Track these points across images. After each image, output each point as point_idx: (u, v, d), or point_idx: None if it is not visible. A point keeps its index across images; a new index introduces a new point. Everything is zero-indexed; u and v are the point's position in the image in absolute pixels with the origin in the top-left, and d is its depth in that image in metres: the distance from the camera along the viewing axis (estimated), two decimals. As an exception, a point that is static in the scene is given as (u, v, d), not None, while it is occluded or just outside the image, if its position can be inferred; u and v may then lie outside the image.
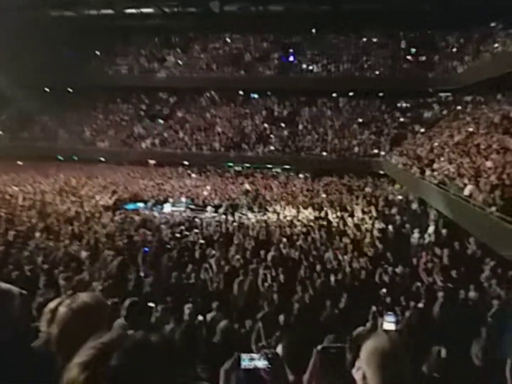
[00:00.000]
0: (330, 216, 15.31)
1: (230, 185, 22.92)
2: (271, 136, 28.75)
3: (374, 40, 31.49)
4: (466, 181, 11.86)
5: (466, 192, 11.27)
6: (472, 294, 7.21)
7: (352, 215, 15.26)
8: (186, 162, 28.55)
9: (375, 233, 12.68)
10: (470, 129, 18.24)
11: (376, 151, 25.47)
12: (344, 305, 6.76)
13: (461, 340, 4.27)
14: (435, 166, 15.54)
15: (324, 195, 19.61)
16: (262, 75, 31.05)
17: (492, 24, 24.96)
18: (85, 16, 33.28)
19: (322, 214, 15.82)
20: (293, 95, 31.52)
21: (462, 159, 14.47)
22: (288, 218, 15.46)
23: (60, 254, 8.88)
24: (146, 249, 9.72)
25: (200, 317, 5.60)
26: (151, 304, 5.09)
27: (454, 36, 28.95)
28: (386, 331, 4.52)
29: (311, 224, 14.12)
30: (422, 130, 25.25)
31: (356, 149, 25.99)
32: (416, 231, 12.41)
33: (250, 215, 16.71)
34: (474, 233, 10.55)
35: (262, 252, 9.71)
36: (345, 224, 13.96)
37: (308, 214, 15.96)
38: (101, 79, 32.27)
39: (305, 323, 5.82)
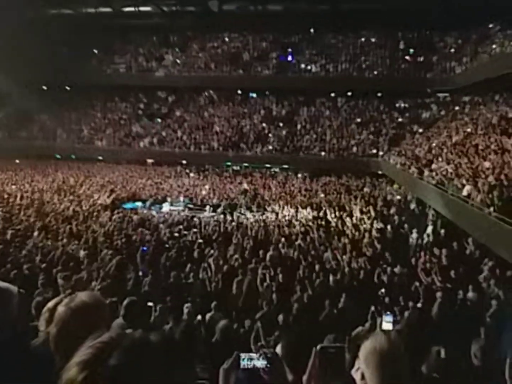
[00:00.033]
0: (328, 216, 15.32)
1: (229, 185, 22.94)
2: (270, 135, 28.77)
3: (373, 40, 31.59)
4: (464, 181, 11.88)
5: (464, 192, 11.30)
6: (470, 294, 7.22)
7: (350, 215, 15.27)
8: (184, 161, 28.55)
9: (374, 233, 12.69)
10: (468, 130, 18.29)
11: (374, 151, 25.50)
12: (343, 305, 6.76)
13: (460, 340, 4.27)
14: (434, 166, 15.57)
15: (322, 195, 19.63)
16: (260, 75, 31.07)
17: (490, 25, 25.08)
18: (83, 14, 33.28)
19: (321, 214, 15.83)
20: (291, 95, 31.56)
21: (460, 159, 14.50)
22: (287, 217, 15.47)
23: (58, 253, 8.84)
24: (145, 248, 9.70)
25: (199, 317, 5.60)
26: (150, 304, 5.08)
27: (452, 36, 29.08)
28: (385, 331, 4.53)
29: (310, 224, 14.13)
30: (421, 130, 25.31)
31: (354, 149, 26.03)
32: (414, 231, 12.42)
33: (248, 214, 16.72)
34: (472, 233, 10.57)
35: (261, 252, 9.71)
36: (343, 224, 13.97)
37: (306, 214, 15.98)
38: (99, 78, 32.29)
39: (304, 323, 5.82)
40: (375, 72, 29.22)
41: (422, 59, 29.10)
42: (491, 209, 9.34)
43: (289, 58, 31.83)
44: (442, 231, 12.26)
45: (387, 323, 4.74)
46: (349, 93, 30.34)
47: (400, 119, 28.14)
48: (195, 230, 12.48)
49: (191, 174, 26.40)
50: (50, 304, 1.95)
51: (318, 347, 1.67)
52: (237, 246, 10.51)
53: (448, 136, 19.26)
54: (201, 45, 34.38)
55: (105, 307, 1.76)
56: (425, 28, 30.19)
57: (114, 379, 0.93)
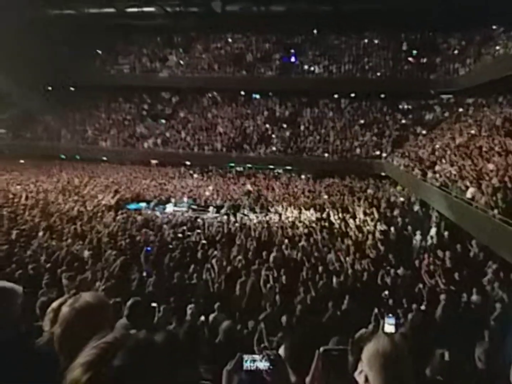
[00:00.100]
0: (332, 218, 15.28)
1: (232, 186, 22.95)
2: (273, 136, 28.77)
3: (376, 41, 31.56)
4: (468, 183, 11.83)
5: (468, 194, 11.25)
6: (474, 297, 7.19)
7: (354, 217, 15.23)
8: (188, 162, 28.60)
9: (377, 235, 12.64)
10: (472, 131, 18.21)
11: (378, 152, 25.45)
12: (346, 307, 6.75)
13: (464, 343, 4.25)
14: (437, 168, 15.52)
15: (326, 196, 19.59)
16: (263, 76, 31.11)
17: (494, 27, 25.00)
18: (87, 15, 33.40)
19: (324, 215, 15.80)
20: (294, 96, 31.55)
21: (464, 161, 14.44)
22: (290, 219, 15.45)
23: (63, 253, 8.89)
24: (149, 248, 9.72)
25: (203, 318, 5.61)
26: (154, 304, 5.09)
27: (455, 38, 29.00)
28: (388, 334, 4.51)
29: (313, 225, 14.10)
30: (424, 132, 25.24)
31: (358, 151, 25.99)
32: (418, 233, 12.37)
33: (252, 215, 16.71)
34: (476, 235, 10.52)
35: (264, 253, 9.71)
36: (347, 225, 13.94)
37: (310, 215, 15.95)
38: (103, 79, 32.42)
39: (307, 324, 5.82)
40: (378, 74, 29.19)
41: (425, 60, 29.06)
42: (495, 211, 9.29)
43: (292, 59, 31.84)
44: (446, 233, 12.22)
45: (389, 326, 4.72)
46: (353, 95, 30.30)
47: (403, 121, 28.07)
48: (198, 231, 12.49)
49: (195, 175, 26.43)
50: (55, 304, 1.96)
51: (321, 349, 1.67)
52: (240, 247, 10.51)
53: (452, 138, 19.19)
54: (204, 46, 34.46)
55: (109, 307, 1.76)
56: (428, 29, 30.15)
57: (118, 379, 0.93)
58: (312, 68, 30.86)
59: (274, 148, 27.67)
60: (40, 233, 10.85)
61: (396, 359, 1.38)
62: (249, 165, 27.83)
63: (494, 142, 14.83)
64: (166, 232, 12.18)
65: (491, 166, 12.38)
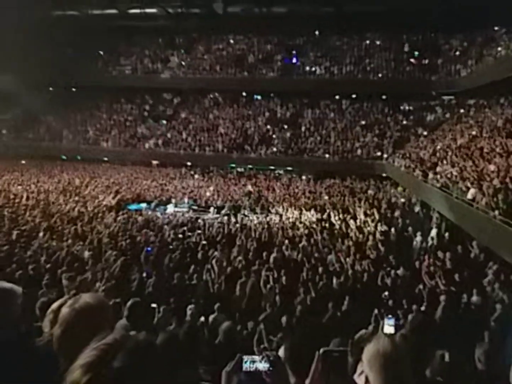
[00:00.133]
0: (332, 218, 15.28)
1: (233, 186, 22.95)
2: (274, 137, 28.77)
3: (377, 42, 31.56)
4: (469, 184, 11.83)
5: (469, 195, 11.25)
6: (474, 298, 7.18)
7: (354, 218, 15.22)
8: (189, 163, 28.63)
9: (378, 235, 12.63)
10: (473, 133, 18.20)
11: (379, 153, 25.43)
12: (346, 308, 6.75)
13: (464, 344, 4.25)
14: (438, 169, 15.51)
15: (326, 197, 19.58)
16: (265, 77, 31.13)
17: (496, 28, 24.98)
18: (89, 16, 33.50)
19: (325, 216, 15.78)
20: (296, 97, 31.57)
21: (465, 162, 14.44)
22: (291, 220, 15.45)
23: (63, 253, 8.88)
24: (149, 248, 9.72)
25: (202, 318, 5.61)
26: (154, 305, 5.09)
27: (457, 39, 28.98)
28: (388, 334, 4.51)
29: (314, 226, 14.09)
30: (425, 133, 25.23)
31: (359, 152, 25.97)
32: (418, 234, 12.37)
33: (252, 216, 16.70)
34: (477, 236, 10.51)
35: (264, 254, 9.70)
36: (347, 226, 13.93)
37: (310, 216, 15.94)
38: (105, 79, 32.48)
39: (307, 325, 5.81)
40: (380, 75, 29.17)
41: (427, 61, 29.05)
42: (496, 212, 9.29)
43: (294, 60, 31.85)
44: (447, 234, 12.22)
45: (388, 327, 4.72)
46: (354, 96, 30.31)
47: (404, 122, 28.07)
48: (199, 231, 12.49)
49: (196, 176, 26.45)
50: (55, 305, 1.96)
51: (321, 351, 1.68)
52: (240, 248, 10.50)
53: (453, 139, 19.18)
54: (206, 47, 34.50)
55: (109, 308, 1.77)
56: (430, 30, 30.16)
57: (118, 381, 0.94)
58: (313, 69, 30.87)
59: (275, 149, 27.68)
60: (41, 234, 10.84)
61: (396, 359, 1.38)
62: (250, 166, 27.85)
63: (495, 143, 14.83)
64: (167, 232, 12.16)
65: (492, 167, 12.38)
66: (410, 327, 5.71)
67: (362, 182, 23.47)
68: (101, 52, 35.14)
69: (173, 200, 19.43)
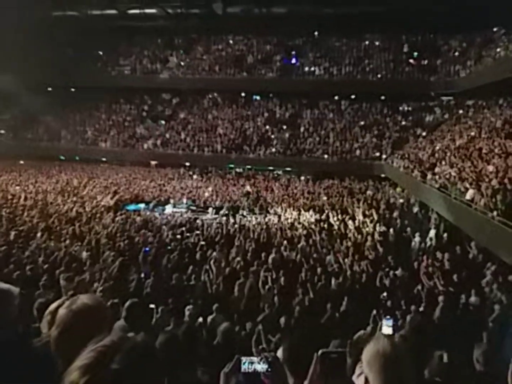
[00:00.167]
0: (331, 219, 15.28)
1: (231, 187, 22.94)
2: (273, 138, 28.78)
3: (377, 43, 31.61)
4: (467, 185, 11.84)
5: (468, 196, 11.26)
6: (473, 298, 7.19)
7: (353, 218, 15.22)
8: (187, 163, 28.61)
9: (376, 236, 12.63)
10: (472, 133, 18.23)
11: (377, 154, 25.46)
12: (345, 308, 6.75)
13: (462, 345, 4.26)
14: (437, 169, 15.53)
15: (325, 198, 19.57)
16: (264, 77, 31.14)
17: (495, 29, 25.03)
18: (88, 16, 33.49)
19: (323, 217, 15.78)
20: (295, 98, 31.59)
21: (463, 163, 14.46)
22: (289, 220, 15.44)
23: (61, 254, 8.87)
24: (147, 249, 9.71)
25: (201, 319, 5.60)
26: (152, 306, 5.08)
27: (456, 40, 29.04)
28: (387, 335, 4.51)
29: (312, 226, 14.10)
30: (424, 133, 25.27)
31: (357, 152, 26.00)
32: (417, 234, 12.38)
33: (251, 217, 16.69)
34: (475, 237, 10.53)
35: (263, 255, 9.69)
36: (346, 227, 13.93)
37: (309, 216, 15.93)
38: (104, 80, 32.44)
39: (306, 326, 5.81)
40: (379, 75, 29.20)
41: (426, 62, 29.10)
42: (495, 213, 9.30)
43: (293, 61, 31.88)
44: (445, 235, 12.24)
45: (387, 327, 4.72)
46: (353, 96, 30.34)
47: (403, 123, 28.09)
48: (197, 232, 12.48)
49: (194, 176, 26.42)
50: (52, 306, 1.96)
51: (320, 352, 1.67)
52: (239, 249, 10.49)
53: (452, 140, 19.21)
54: (205, 47, 34.50)
55: (107, 309, 1.76)
56: (429, 31, 30.21)
57: (116, 382, 0.93)
58: (312, 70, 30.89)
59: (273, 150, 27.68)
60: (39, 234, 10.81)
61: (396, 360, 1.38)
62: (249, 167, 27.85)
63: (494, 144, 14.86)
64: (165, 233, 12.14)
65: (490, 168, 12.40)
66: (409, 327, 5.71)
67: (361, 182, 23.47)
68: (100, 52, 35.11)
69: (172, 201, 19.41)
